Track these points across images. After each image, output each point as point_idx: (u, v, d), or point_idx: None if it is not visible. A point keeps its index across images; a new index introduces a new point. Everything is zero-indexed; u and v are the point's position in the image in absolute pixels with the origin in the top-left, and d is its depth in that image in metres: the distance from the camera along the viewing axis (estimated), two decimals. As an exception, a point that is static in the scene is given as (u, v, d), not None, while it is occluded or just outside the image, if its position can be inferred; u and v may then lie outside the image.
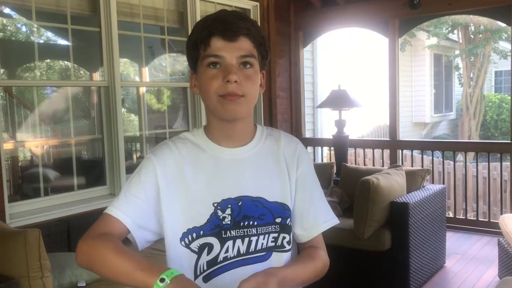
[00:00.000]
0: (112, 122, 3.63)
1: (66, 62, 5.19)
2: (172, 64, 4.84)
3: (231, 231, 1.07)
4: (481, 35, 11.35)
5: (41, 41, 4.79)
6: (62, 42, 4.80)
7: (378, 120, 9.42)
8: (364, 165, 5.81)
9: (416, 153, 6.25)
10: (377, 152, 6.41)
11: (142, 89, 5.33)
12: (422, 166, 5.65)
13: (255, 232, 1.09)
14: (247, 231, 1.08)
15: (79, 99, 5.20)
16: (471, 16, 9.11)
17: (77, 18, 3.60)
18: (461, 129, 11.99)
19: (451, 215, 5.14)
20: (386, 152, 5.37)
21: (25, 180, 4.23)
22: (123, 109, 4.36)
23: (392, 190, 3.44)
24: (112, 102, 3.62)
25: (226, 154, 1.12)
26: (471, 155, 6.61)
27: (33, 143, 4.52)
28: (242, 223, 1.08)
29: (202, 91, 1.09)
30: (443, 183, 5.35)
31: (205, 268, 1.08)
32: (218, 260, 1.07)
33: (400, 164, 5.00)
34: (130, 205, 1.06)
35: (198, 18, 4.25)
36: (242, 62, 1.06)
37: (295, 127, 5.73)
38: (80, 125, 5.19)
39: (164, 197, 1.08)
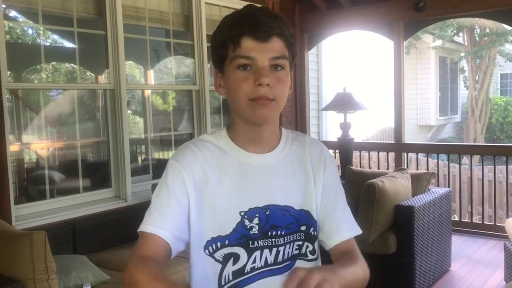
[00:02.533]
0: (118, 125, 3.64)
1: (72, 65, 5.22)
2: (178, 66, 4.85)
3: (259, 241, 1.03)
4: (486, 38, 11.31)
5: (48, 44, 4.82)
6: (68, 45, 4.83)
7: (383, 122, 9.40)
8: (369, 168, 5.80)
9: (421, 156, 6.22)
10: (382, 155, 6.39)
11: (147, 92, 5.35)
12: (427, 169, 5.65)
13: (283, 242, 1.05)
14: (275, 241, 1.04)
15: (84, 101, 5.22)
16: (477, 18, 9.08)
17: (83, 21, 3.61)
18: (466, 132, 11.95)
19: (456, 218, 5.12)
20: (391, 155, 5.36)
21: (31, 182, 4.24)
22: (128, 112, 4.37)
23: (397, 194, 3.43)
24: (117, 104, 3.63)
25: (252, 160, 1.07)
26: (476, 158, 6.60)
27: (39, 145, 4.53)
28: (269, 233, 1.04)
29: (230, 93, 1.03)
30: (449, 186, 5.33)
31: (231, 278, 1.03)
32: (245, 271, 1.03)
33: (405, 167, 4.98)
34: (165, 218, 1.01)
35: (204, 21, 4.29)
36: (274, 64, 1.00)
37: (299, 130, 5.72)
38: (86, 128, 5.21)
39: (193, 204, 1.03)
